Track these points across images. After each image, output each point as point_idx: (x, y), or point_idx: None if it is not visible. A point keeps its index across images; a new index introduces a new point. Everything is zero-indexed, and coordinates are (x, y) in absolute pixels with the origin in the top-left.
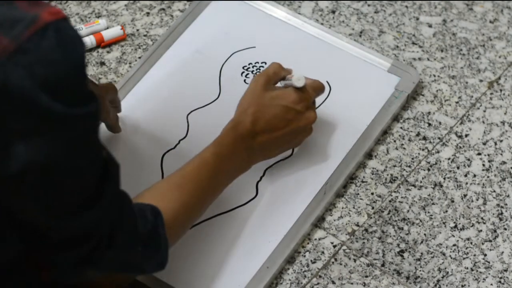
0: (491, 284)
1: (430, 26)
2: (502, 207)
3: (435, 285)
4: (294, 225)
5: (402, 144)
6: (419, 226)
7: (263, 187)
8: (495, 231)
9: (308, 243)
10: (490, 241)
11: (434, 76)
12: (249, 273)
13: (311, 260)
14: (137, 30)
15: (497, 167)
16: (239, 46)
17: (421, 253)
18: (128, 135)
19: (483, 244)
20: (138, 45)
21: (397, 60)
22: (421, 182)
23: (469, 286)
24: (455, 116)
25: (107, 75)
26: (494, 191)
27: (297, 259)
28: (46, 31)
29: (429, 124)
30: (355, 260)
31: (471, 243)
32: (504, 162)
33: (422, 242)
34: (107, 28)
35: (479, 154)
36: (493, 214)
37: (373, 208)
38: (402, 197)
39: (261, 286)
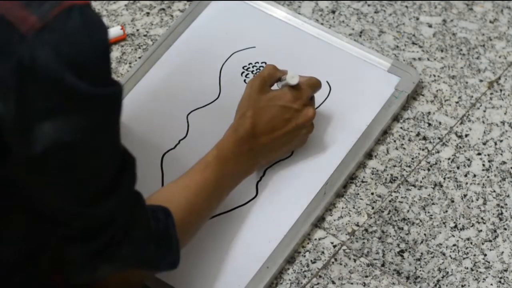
0: (491, 284)
1: (430, 26)
2: (502, 207)
3: (435, 285)
4: (294, 225)
5: (402, 144)
6: (419, 226)
7: (263, 187)
8: (495, 231)
9: (308, 243)
10: (490, 241)
11: (434, 76)
12: (249, 273)
13: (311, 260)
14: (137, 30)
15: (497, 167)
16: (239, 46)
17: (421, 253)
18: (128, 135)
19: (483, 244)
20: (138, 45)
21: (397, 60)
22: (421, 182)
23: (469, 286)
24: (455, 116)
25: None
26: (494, 191)
27: (297, 259)
28: (71, 12)
29: (429, 124)
30: (355, 260)
31: (471, 243)
32: (504, 162)
33: (422, 242)
34: (107, 28)
35: (479, 154)
36: (493, 214)
37: (373, 208)
38: (402, 197)
39: (261, 286)
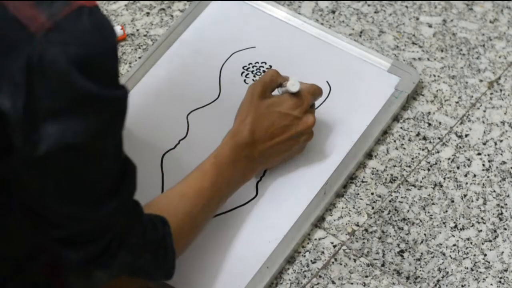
0: (491, 284)
1: (430, 26)
2: (502, 207)
3: (435, 285)
4: (294, 225)
5: (402, 144)
6: (419, 226)
7: (263, 187)
8: (495, 231)
9: (308, 243)
10: (490, 241)
11: (434, 76)
12: (249, 273)
13: (311, 260)
14: (137, 30)
15: (497, 167)
16: (239, 46)
17: (421, 253)
18: (128, 135)
19: (483, 244)
20: (138, 45)
21: (397, 60)
22: (421, 182)
23: (469, 286)
24: (455, 116)
25: None
26: (494, 191)
27: (297, 259)
28: (81, 13)
29: (429, 124)
30: (355, 260)
31: (471, 243)
32: (504, 162)
33: (422, 242)
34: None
35: (479, 154)
36: (493, 214)
37: (373, 208)
38: (402, 197)
39: (261, 286)
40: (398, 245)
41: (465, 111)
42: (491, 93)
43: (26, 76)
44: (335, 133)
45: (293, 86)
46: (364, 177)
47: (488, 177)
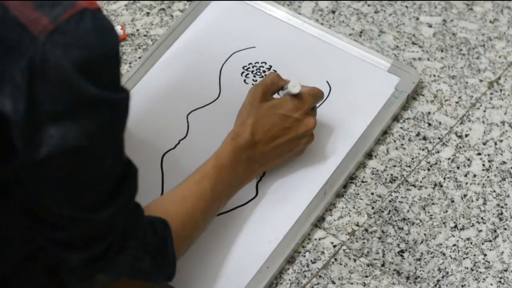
0: (491, 284)
1: (430, 26)
2: (502, 207)
3: (435, 285)
4: (294, 225)
5: (402, 144)
6: (419, 226)
7: (263, 187)
8: (495, 231)
9: (308, 243)
10: (490, 241)
11: (434, 76)
12: (249, 273)
13: (311, 260)
14: (137, 30)
15: (497, 167)
16: (239, 46)
17: (421, 253)
18: (128, 135)
19: (483, 244)
20: (138, 45)
21: (397, 60)
22: (421, 182)
23: (469, 286)
24: (455, 116)
25: None
26: (494, 191)
27: (297, 259)
28: (83, 15)
29: (429, 124)
30: (355, 260)
31: (471, 243)
32: (504, 162)
33: (422, 242)
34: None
35: (479, 154)
36: (493, 214)
37: (373, 208)
38: (402, 197)
39: (261, 286)
40: (398, 245)
41: (465, 111)
42: (491, 93)
43: (28, 79)
44: (335, 133)
45: (294, 87)
46: (364, 177)
47: (488, 177)
